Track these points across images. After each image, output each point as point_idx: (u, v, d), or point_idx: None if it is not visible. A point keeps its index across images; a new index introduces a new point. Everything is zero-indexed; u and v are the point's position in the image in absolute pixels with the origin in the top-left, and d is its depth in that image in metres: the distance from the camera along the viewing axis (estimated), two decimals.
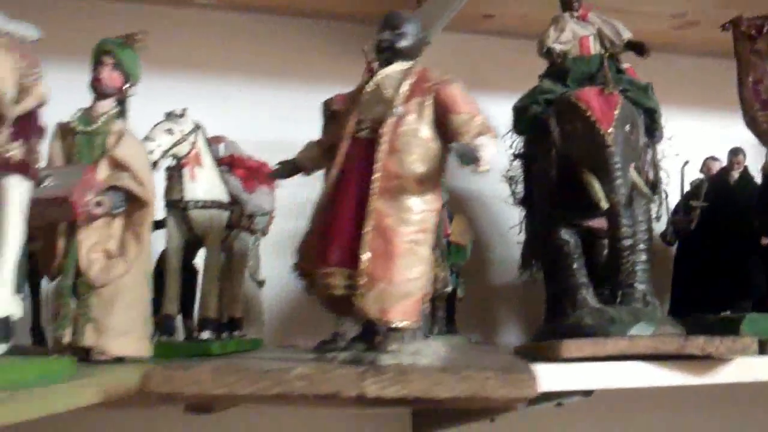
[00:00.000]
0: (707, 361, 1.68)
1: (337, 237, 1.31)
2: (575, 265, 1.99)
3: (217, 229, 1.86)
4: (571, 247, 2.00)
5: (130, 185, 1.51)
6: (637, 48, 2.10)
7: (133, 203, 1.54)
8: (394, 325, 1.27)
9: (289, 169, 1.49)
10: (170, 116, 1.79)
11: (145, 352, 1.56)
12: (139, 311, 1.56)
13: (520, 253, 2.42)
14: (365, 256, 1.27)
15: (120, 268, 1.52)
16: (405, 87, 1.34)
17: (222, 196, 1.87)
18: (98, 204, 1.47)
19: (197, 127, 1.83)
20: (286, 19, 2.64)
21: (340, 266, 1.30)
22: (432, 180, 1.31)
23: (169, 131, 1.76)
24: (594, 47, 2.13)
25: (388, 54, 1.38)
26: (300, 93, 2.59)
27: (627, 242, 1.84)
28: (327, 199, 1.35)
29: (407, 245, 1.28)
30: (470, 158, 1.23)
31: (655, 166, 2.15)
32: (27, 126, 1.17)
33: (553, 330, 1.93)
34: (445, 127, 1.32)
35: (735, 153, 2.40)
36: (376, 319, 1.27)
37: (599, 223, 2.05)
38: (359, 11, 2.61)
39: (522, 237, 2.41)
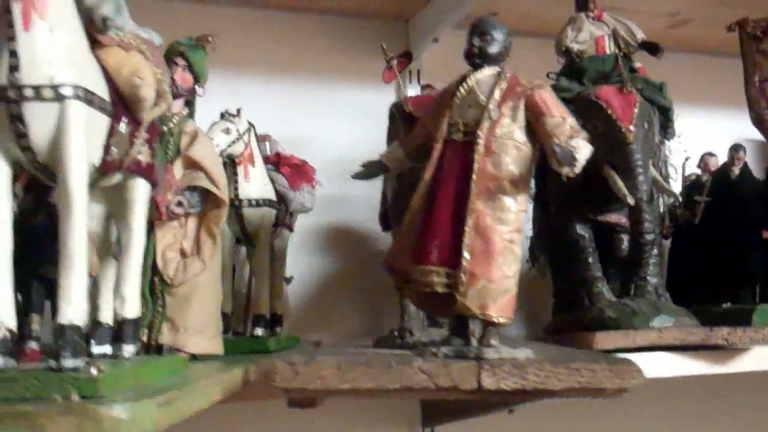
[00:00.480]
0: (727, 351, 1.77)
1: (436, 237, 1.36)
2: (590, 259, 2.05)
3: (267, 228, 1.89)
4: (586, 241, 2.07)
5: (207, 185, 1.54)
6: (651, 48, 2.17)
7: (208, 203, 1.57)
8: (494, 321, 1.32)
9: (376, 170, 1.53)
10: (226, 115, 1.82)
11: (219, 349, 1.59)
12: (212, 309, 1.59)
13: (528, 247, 2.47)
14: (466, 254, 1.32)
15: (196, 267, 1.54)
16: (498, 91, 1.39)
17: (271, 194, 1.90)
18: (179, 204, 1.50)
19: (251, 126, 1.86)
20: (295, 15, 2.66)
21: (440, 265, 1.35)
22: (524, 181, 1.37)
23: (227, 131, 1.79)
24: (609, 47, 2.19)
25: (478, 60, 1.43)
26: (312, 88, 2.63)
27: (649, 237, 1.92)
28: (422, 200, 1.40)
29: (505, 244, 1.34)
30: (569, 160, 1.29)
31: (665, 163, 2.23)
32: (152, 130, 1.19)
33: (573, 322, 1.99)
34: (536, 129, 1.37)
35: (736, 149, 2.48)
36: (477, 315, 1.32)
37: (616, 218, 2.13)
38: (370, 8, 2.67)
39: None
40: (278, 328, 1.98)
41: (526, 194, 1.38)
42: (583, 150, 1.31)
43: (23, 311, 1.47)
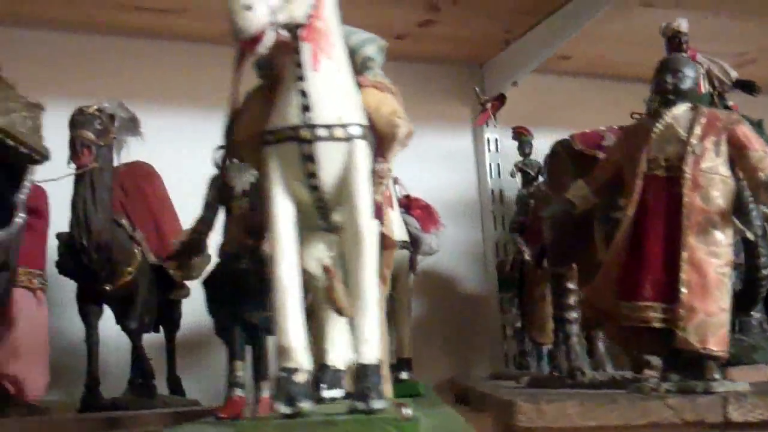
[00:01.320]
0: None
1: (649, 272, 1.36)
2: None
3: (405, 270, 1.87)
4: None
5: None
6: (747, 86, 2.18)
7: None
8: (714, 355, 1.32)
9: (563, 208, 1.53)
10: None
11: (389, 394, 1.55)
12: (383, 354, 1.56)
13: None
14: (683, 289, 1.32)
15: None
16: (698, 127, 1.40)
17: (406, 236, 1.89)
18: None
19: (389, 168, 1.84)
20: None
21: (656, 300, 1.34)
22: (729, 215, 1.38)
23: None
24: (703, 86, 2.21)
25: (672, 96, 1.44)
26: None
27: (766, 272, 1.91)
28: (626, 236, 1.39)
29: (719, 277, 1.34)
30: None
31: None
32: None
33: None
34: (739, 163, 1.38)
35: None
36: (698, 349, 1.31)
37: None
38: (444, 53, 2.69)
39: None
40: (409, 372, 1.95)
41: (732, 228, 1.39)
42: None
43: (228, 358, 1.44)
